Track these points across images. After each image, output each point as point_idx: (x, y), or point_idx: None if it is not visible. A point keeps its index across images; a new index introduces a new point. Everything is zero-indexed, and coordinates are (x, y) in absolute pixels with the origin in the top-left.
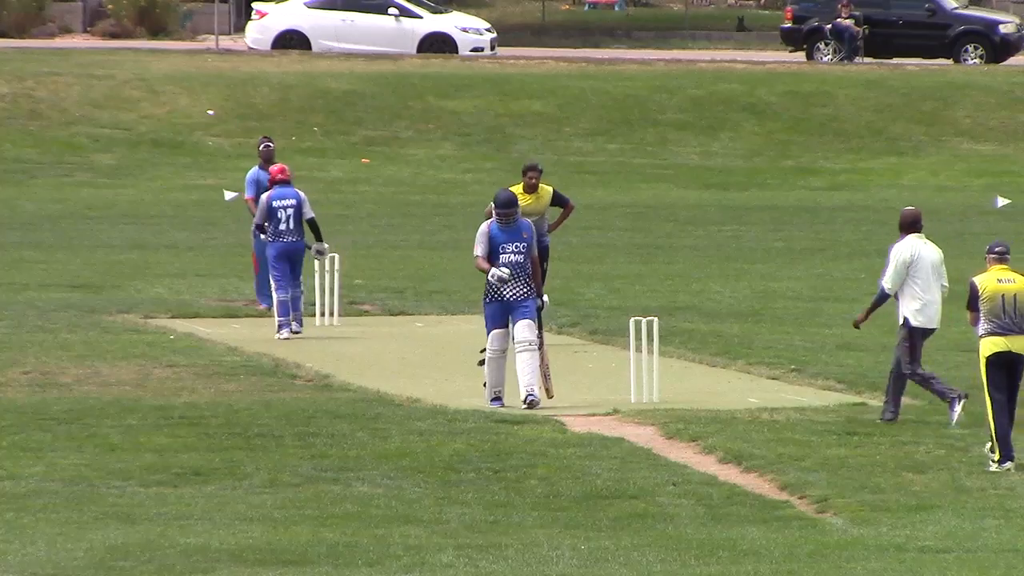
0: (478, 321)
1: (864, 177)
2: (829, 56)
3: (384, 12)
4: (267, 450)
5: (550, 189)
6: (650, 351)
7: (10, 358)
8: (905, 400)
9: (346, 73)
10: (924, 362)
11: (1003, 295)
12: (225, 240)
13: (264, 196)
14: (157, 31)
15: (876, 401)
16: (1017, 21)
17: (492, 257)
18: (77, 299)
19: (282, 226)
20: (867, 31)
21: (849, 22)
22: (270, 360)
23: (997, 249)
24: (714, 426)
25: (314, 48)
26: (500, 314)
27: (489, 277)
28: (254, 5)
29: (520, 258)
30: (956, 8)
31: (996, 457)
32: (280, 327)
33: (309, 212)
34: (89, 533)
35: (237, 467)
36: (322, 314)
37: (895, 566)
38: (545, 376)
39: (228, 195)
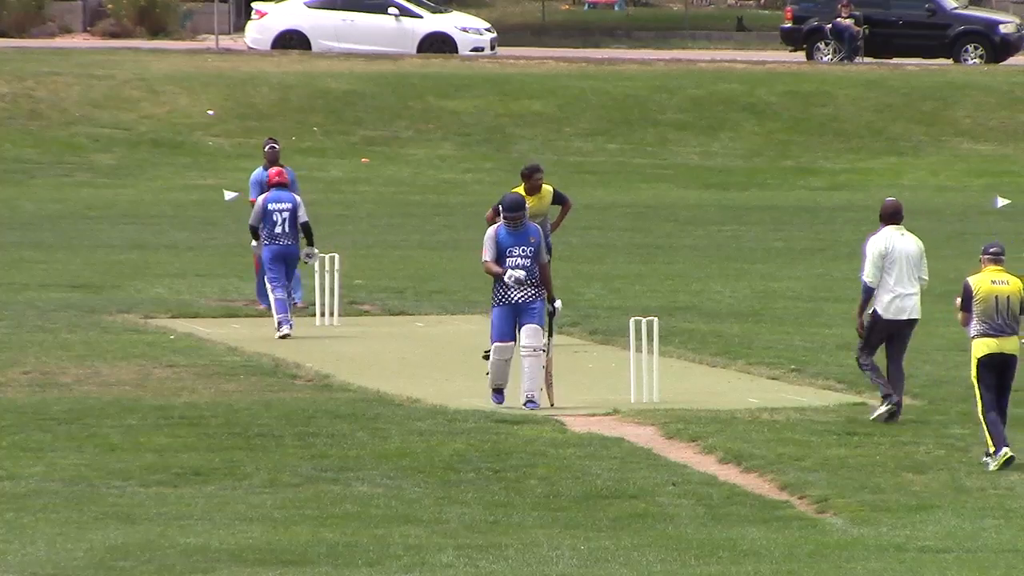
0: (478, 321)
1: (864, 177)
2: (829, 56)
3: (384, 12)
4: (267, 450)
5: (550, 188)
6: (650, 351)
7: (10, 358)
8: (905, 400)
9: (346, 73)
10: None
11: (996, 296)
12: (225, 240)
13: (260, 198)
14: (157, 31)
15: (876, 401)
16: (1017, 21)
17: (499, 261)
18: (77, 299)
19: (277, 229)
20: (867, 31)
21: (849, 22)
22: (270, 360)
23: (992, 250)
24: (714, 426)
25: (314, 48)
26: (508, 318)
27: (506, 279)
28: (254, 5)
29: (527, 262)
30: (956, 8)
31: (991, 450)
32: (280, 324)
33: (303, 216)
34: (89, 533)
35: (237, 467)
36: (322, 314)
37: (895, 566)
38: (548, 384)
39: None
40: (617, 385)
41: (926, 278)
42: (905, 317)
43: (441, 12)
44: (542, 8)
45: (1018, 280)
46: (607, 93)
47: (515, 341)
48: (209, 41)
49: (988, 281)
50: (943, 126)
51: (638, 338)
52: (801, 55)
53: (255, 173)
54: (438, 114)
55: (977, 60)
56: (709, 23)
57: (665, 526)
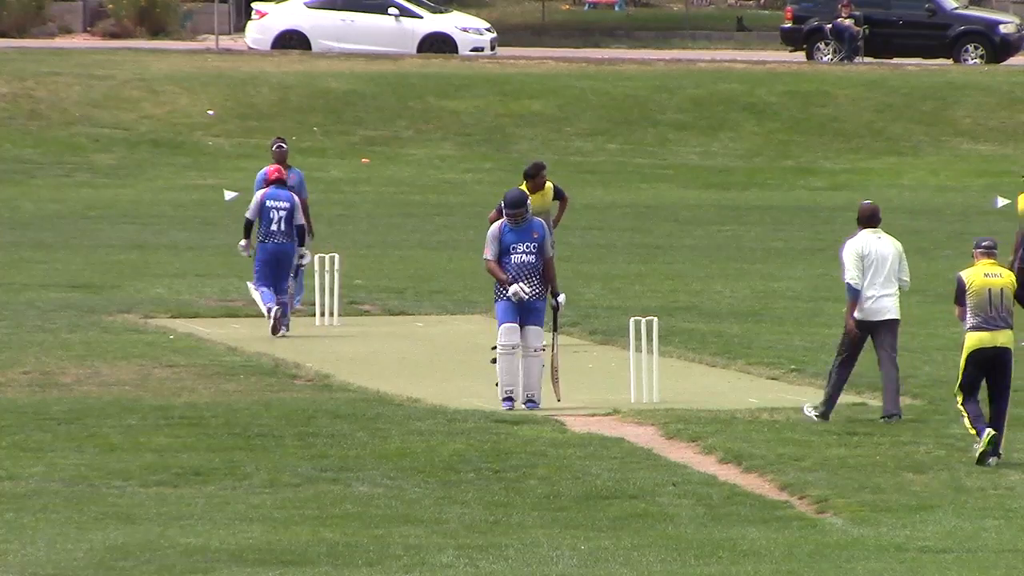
0: (478, 321)
1: (864, 177)
2: (829, 56)
3: (384, 12)
4: (267, 450)
5: (551, 185)
6: (650, 351)
7: (10, 358)
8: (905, 400)
9: (346, 73)
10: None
11: (990, 289)
12: (225, 240)
13: (259, 193)
14: (157, 31)
15: (876, 401)
16: (1017, 21)
17: (502, 258)
18: (77, 299)
19: (273, 227)
20: (867, 31)
21: (849, 22)
22: (270, 360)
23: (984, 244)
24: (714, 426)
25: (314, 48)
26: (512, 309)
27: (510, 294)
28: (254, 5)
29: (531, 258)
30: (956, 8)
31: (974, 433)
32: (269, 311)
33: (300, 219)
34: (89, 533)
35: (237, 467)
36: (322, 314)
37: (895, 566)
38: (555, 380)
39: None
40: (617, 385)
41: (907, 279)
42: (881, 318)
43: (441, 12)
44: (542, 8)
45: (1011, 273)
46: (607, 93)
47: (519, 330)
48: (209, 41)
49: (981, 274)
50: (943, 126)
51: (638, 338)
52: (801, 55)
53: (261, 172)
54: (438, 114)
55: (977, 60)
56: (709, 23)
57: (665, 526)
